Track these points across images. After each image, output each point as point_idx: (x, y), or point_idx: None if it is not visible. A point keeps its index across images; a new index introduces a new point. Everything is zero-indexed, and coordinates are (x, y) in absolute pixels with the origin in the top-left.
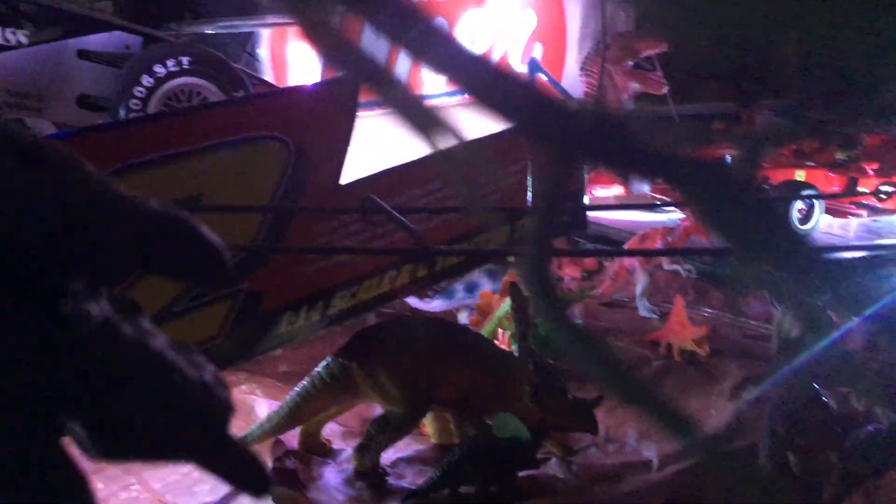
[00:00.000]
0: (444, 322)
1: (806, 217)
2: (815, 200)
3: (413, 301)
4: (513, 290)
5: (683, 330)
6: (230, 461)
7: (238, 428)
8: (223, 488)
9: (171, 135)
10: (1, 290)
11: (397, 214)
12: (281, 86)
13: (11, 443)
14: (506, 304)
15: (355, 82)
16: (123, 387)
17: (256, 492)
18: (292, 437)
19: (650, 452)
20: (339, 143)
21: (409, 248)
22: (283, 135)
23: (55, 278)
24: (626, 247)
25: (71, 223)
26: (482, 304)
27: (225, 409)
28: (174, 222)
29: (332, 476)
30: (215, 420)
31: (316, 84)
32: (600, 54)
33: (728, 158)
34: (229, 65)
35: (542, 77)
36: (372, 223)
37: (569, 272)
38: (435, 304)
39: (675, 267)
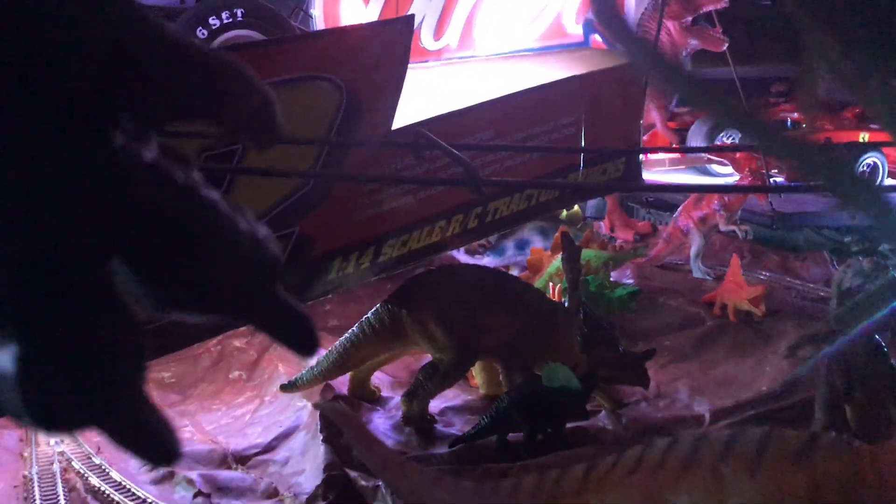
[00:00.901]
0: (493, 270)
1: (870, 178)
2: (878, 162)
3: (464, 258)
4: (564, 239)
5: (739, 289)
6: (280, 316)
7: (287, 375)
8: (273, 431)
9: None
10: (55, 115)
11: (448, 146)
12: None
13: (61, 275)
14: (556, 261)
15: (408, 25)
16: (174, 230)
17: (305, 350)
18: (342, 384)
19: (702, 408)
20: (391, 87)
21: (458, 178)
22: (335, 76)
23: (108, 109)
24: (681, 208)
25: (125, 55)
26: (532, 261)
27: (275, 264)
28: (229, 67)
29: (380, 421)
30: (266, 273)
31: (368, 24)
32: (658, 10)
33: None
34: (283, 19)
35: (598, 38)
36: (423, 158)
37: (621, 235)
38: (486, 261)
39: (733, 228)
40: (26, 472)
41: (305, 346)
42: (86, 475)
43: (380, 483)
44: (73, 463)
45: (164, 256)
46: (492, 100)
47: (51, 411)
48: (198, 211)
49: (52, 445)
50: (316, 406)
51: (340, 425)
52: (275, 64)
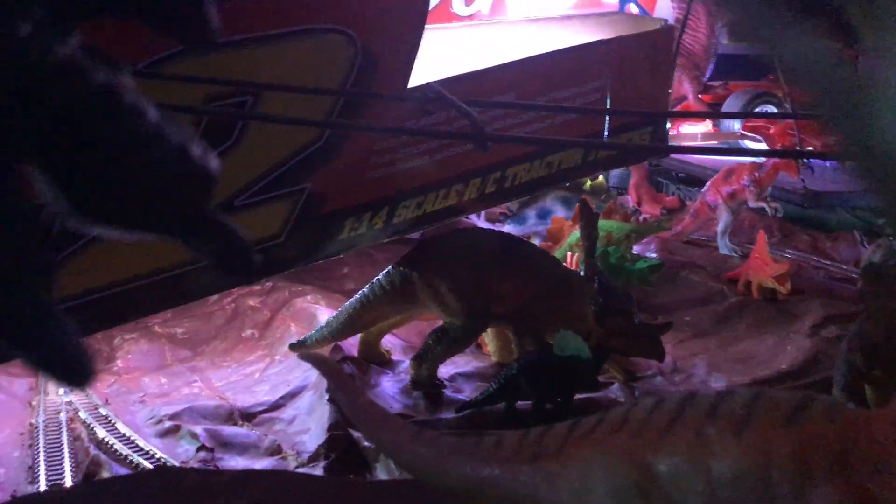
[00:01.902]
0: (507, 235)
1: None
2: None
3: (484, 225)
4: (583, 207)
5: (765, 266)
6: (209, 235)
7: (299, 335)
8: (281, 389)
9: (227, 20)
10: None
11: (457, 101)
12: None
13: None
14: (577, 231)
15: None
16: (86, 131)
17: (237, 272)
18: (352, 346)
19: (718, 384)
20: (408, 43)
21: (464, 132)
22: (349, 29)
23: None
24: (710, 183)
25: None
26: (553, 230)
27: (206, 180)
28: None
29: (389, 385)
30: (193, 188)
31: None
32: None
33: None
34: None
35: (634, 7)
36: (431, 113)
37: (648, 210)
38: (507, 229)
39: (762, 205)
40: (33, 420)
41: (237, 268)
42: (91, 425)
43: None
44: (79, 413)
45: (77, 160)
46: (513, 61)
47: None
48: (115, 113)
49: (60, 395)
50: (299, 355)
51: (325, 376)
52: (285, 13)
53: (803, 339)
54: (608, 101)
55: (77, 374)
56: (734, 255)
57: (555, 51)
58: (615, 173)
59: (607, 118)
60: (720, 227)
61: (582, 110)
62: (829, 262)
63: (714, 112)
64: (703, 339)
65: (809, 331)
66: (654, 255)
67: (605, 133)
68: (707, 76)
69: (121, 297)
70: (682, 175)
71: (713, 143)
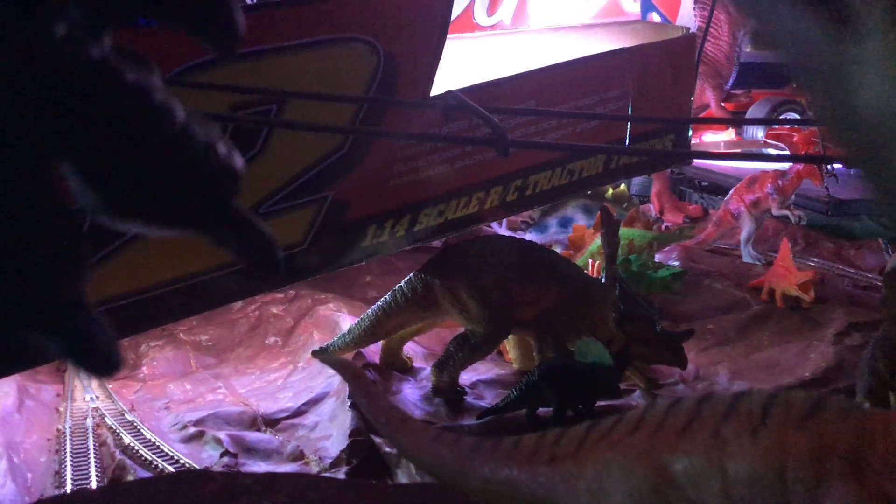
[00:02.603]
0: (528, 243)
1: None
2: None
3: (506, 233)
4: (604, 214)
5: (788, 274)
6: (235, 232)
7: (322, 342)
8: (304, 396)
9: (250, 31)
10: None
11: (476, 106)
12: None
13: None
14: (599, 239)
15: None
16: (119, 130)
17: (263, 268)
18: (374, 353)
19: None
20: (430, 52)
21: (485, 137)
22: (372, 38)
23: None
24: (733, 191)
25: None
26: (574, 238)
27: (232, 177)
28: None
29: (410, 391)
30: (220, 185)
31: None
32: None
33: None
34: None
35: (656, 16)
36: (453, 120)
37: (671, 218)
38: (528, 238)
39: (785, 213)
40: (60, 426)
41: (263, 264)
42: (117, 431)
43: None
44: (106, 419)
45: (108, 158)
46: (534, 70)
47: None
48: (145, 112)
49: (87, 401)
50: (321, 359)
51: (346, 379)
52: (309, 24)
53: (827, 346)
54: (630, 109)
55: (106, 364)
56: (758, 263)
57: (576, 59)
58: (637, 181)
59: (629, 125)
60: (743, 236)
61: (603, 117)
62: (853, 271)
63: (735, 118)
64: (726, 347)
65: (833, 339)
66: (676, 264)
67: (627, 140)
68: (730, 84)
69: (146, 304)
70: (706, 183)
71: (737, 151)
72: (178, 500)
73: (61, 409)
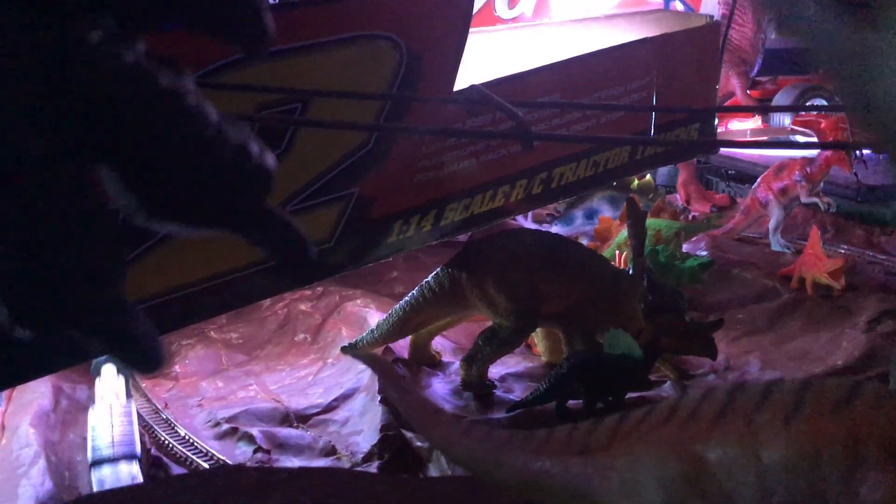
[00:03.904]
0: (555, 236)
1: None
2: None
3: (531, 226)
4: (630, 206)
5: (818, 262)
6: (269, 230)
7: (350, 338)
8: (334, 392)
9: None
10: (25, 9)
11: (501, 101)
12: None
13: (32, 176)
14: (625, 230)
15: None
16: (155, 134)
17: (299, 268)
18: (402, 348)
19: None
20: (453, 47)
21: (510, 132)
22: (395, 34)
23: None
24: (760, 179)
25: None
26: (600, 229)
27: (265, 177)
28: None
29: (440, 386)
30: (253, 184)
31: None
32: None
33: None
34: None
35: (679, 4)
36: (477, 115)
37: (698, 207)
38: (554, 230)
39: (814, 200)
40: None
41: (295, 261)
42: (152, 429)
43: None
44: (140, 417)
45: (145, 160)
46: (558, 62)
47: (30, 310)
48: (179, 115)
49: (120, 400)
50: (352, 354)
51: (376, 373)
52: (331, 22)
53: (859, 334)
54: (654, 99)
55: (149, 360)
56: (787, 251)
57: (600, 50)
58: (663, 171)
59: (653, 115)
60: (772, 224)
61: (627, 108)
62: (883, 257)
63: (761, 106)
64: (756, 336)
65: (865, 326)
66: (704, 254)
67: (652, 130)
68: (755, 71)
69: (176, 303)
70: (732, 172)
71: (763, 139)
72: (215, 495)
73: None
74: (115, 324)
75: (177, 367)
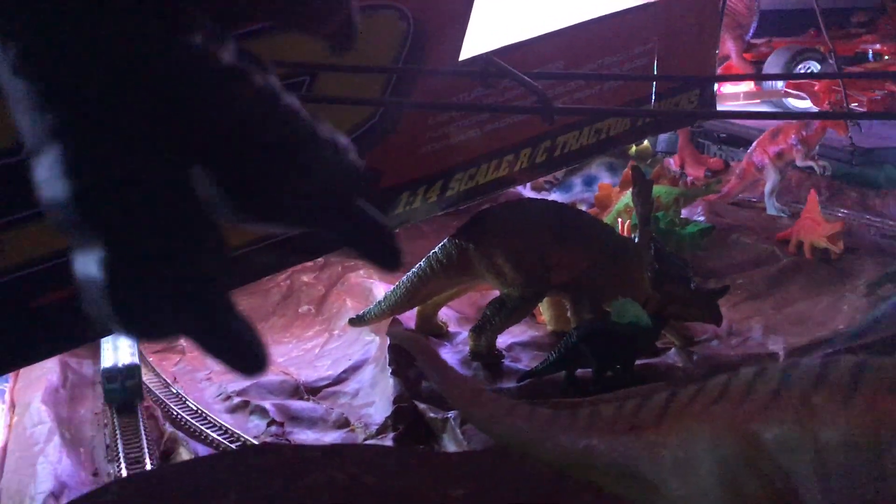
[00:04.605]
0: (561, 205)
1: None
2: None
3: (530, 194)
4: (635, 173)
5: (816, 226)
6: (362, 229)
7: (355, 310)
8: (342, 364)
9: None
10: (129, 12)
11: (519, 74)
12: None
13: (144, 178)
14: (625, 197)
15: None
16: (254, 135)
17: (389, 264)
18: (409, 319)
19: (776, 346)
20: (459, 15)
21: (531, 106)
22: (401, 4)
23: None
24: (756, 143)
25: None
26: (601, 197)
27: (357, 174)
28: None
29: (448, 356)
30: (347, 183)
31: None
32: None
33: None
34: None
35: None
36: (493, 87)
37: (692, 171)
38: (553, 197)
39: (809, 164)
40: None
41: (389, 260)
42: (164, 403)
43: (449, 415)
44: (150, 392)
45: (244, 162)
46: (562, 28)
47: (139, 318)
48: (278, 116)
49: None
50: (389, 334)
51: (414, 353)
52: None
53: (859, 298)
54: (656, 64)
55: (254, 362)
56: (783, 215)
57: (602, 16)
58: (663, 138)
59: (654, 83)
60: (767, 188)
61: (634, 77)
62: (879, 220)
63: (761, 74)
64: (757, 301)
65: (865, 290)
66: (701, 219)
67: (653, 97)
68: (750, 34)
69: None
70: (723, 135)
71: (756, 101)
72: (251, 476)
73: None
74: (221, 328)
75: (182, 341)
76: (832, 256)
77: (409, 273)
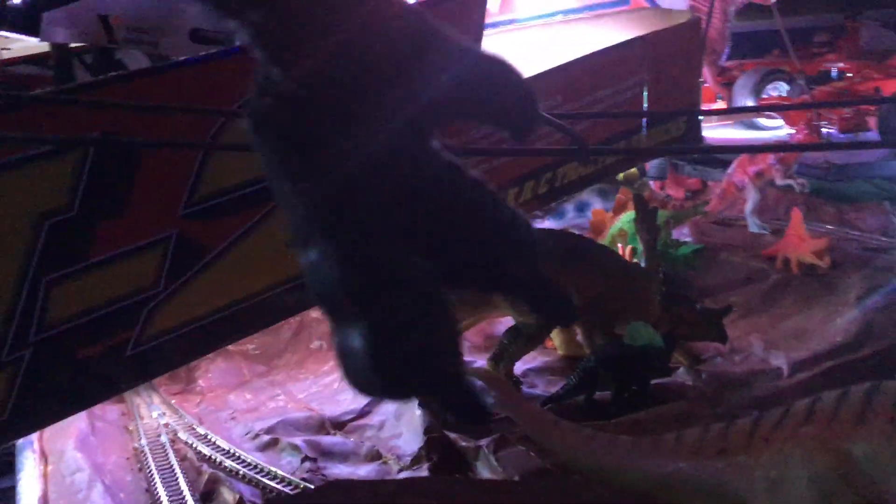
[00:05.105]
0: (569, 234)
1: None
2: None
3: None
4: (638, 201)
5: (802, 242)
6: (542, 291)
7: None
8: (364, 397)
9: None
10: (406, 129)
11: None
12: None
13: (402, 269)
14: (619, 222)
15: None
16: (471, 216)
17: (563, 320)
18: None
19: (779, 361)
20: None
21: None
22: None
23: (432, 122)
24: (735, 163)
25: (442, 80)
26: (595, 222)
27: (538, 242)
28: (498, 66)
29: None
30: (533, 250)
31: None
32: None
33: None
34: None
35: None
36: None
37: (673, 192)
38: (546, 225)
39: (789, 182)
40: (136, 445)
41: (563, 317)
42: (194, 444)
43: (482, 443)
44: (179, 434)
45: (460, 241)
46: (561, 65)
47: (395, 380)
48: (485, 198)
49: (155, 418)
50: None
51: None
52: None
53: (851, 310)
54: (645, 95)
55: (481, 416)
56: (765, 232)
57: (597, 51)
58: (654, 163)
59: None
60: (749, 206)
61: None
62: (858, 234)
63: (749, 107)
64: (753, 317)
65: (856, 302)
66: (690, 239)
67: (644, 126)
68: (724, 59)
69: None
70: (697, 156)
71: (730, 122)
72: None
73: (131, 427)
74: (457, 384)
75: (201, 382)
76: (819, 271)
77: None
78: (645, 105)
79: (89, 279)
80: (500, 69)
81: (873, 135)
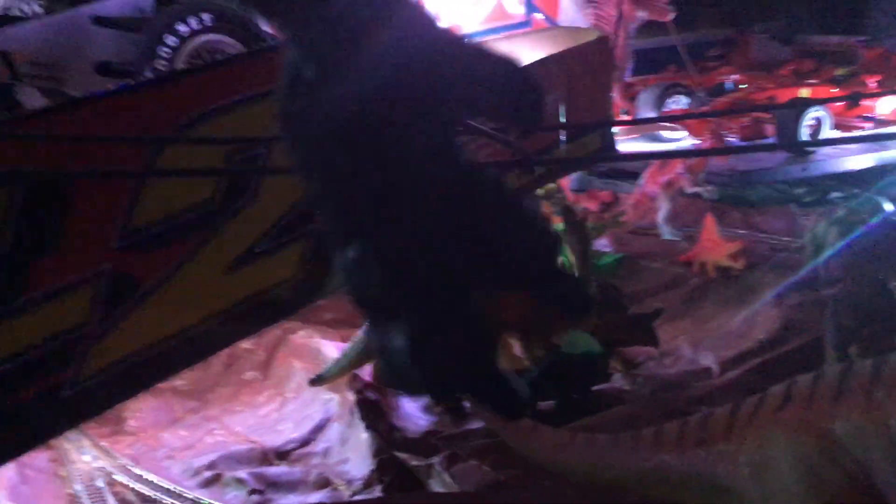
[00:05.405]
0: None
1: (815, 132)
2: (822, 116)
3: None
4: (566, 213)
5: (717, 247)
6: (562, 286)
7: (304, 370)
8: (305, 425)
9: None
10: (438, 136)
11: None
12: None
13: (442, 273)
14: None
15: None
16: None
17: (582, 314)
18: (366, 372)
19: (708, 360)
20: None
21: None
22: None
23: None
24: (645, 173)
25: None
26: None
27: (554, 236)
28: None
29: (409, 404)
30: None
31: None
32: None
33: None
34: (254, 24)
35: (539, 16)
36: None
37: (587, 205)
38: None
39: (697, 190)
40: (70, 490)
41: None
42: (132, 486)
43: (433, 461)
44: (115, 476)
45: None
46: None
47: (439, 382)
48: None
49: (87, 462)
50: (311, 383)
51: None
52: None
53: (770, 309)
54: (561, 111)
55: (522, 409)
56: (678, 238)
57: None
58: (575, 176)
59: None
60: (661, 215)
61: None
62: (765, 235)
63: (663, 116)
64: (678, 321)
65: (773, 301)
66: (610, 249)
67: (564, 140)
68: (628, 75)
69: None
70: (605, 168)
71: (635, 135)
72: None
73: (63, 473)
74: (494, 381)
75: (131, 422)
76: (734, 273)
77: (365, 327)
78: (562, 120)
79: (22, 320)
80: (512, 67)
81: (773, 140)
